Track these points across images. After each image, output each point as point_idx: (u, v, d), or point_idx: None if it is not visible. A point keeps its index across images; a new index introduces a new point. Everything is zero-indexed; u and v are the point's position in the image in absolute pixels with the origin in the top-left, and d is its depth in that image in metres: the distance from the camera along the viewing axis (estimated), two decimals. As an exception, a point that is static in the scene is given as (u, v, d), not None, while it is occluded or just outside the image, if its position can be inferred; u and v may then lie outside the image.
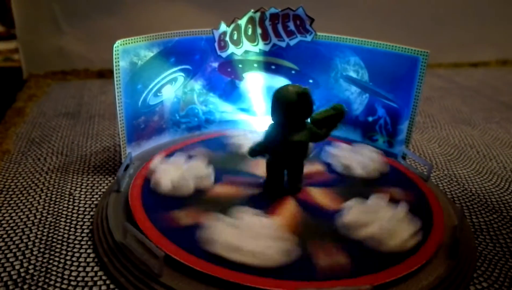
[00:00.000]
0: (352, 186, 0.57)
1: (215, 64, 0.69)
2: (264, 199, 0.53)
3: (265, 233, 0.44)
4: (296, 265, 0.42)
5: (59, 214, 0.53)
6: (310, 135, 0.51)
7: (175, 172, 0.54)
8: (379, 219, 0.47)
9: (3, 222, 0.51)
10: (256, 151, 0.53)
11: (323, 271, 0.42)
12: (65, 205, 0.55)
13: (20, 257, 0.45)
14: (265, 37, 0.66)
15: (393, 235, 0.45)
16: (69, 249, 0.47)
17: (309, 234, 0.47)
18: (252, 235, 0.44)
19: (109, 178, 0.61)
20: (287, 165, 0.53)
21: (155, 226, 0.46)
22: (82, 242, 0.48)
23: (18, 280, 0.42)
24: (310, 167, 0.59)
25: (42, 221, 0.51)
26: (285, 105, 0.49)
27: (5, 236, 0.48)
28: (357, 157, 0.61)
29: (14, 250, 0.46)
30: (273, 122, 0.52)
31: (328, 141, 0.59)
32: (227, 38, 0.65)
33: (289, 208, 0.51)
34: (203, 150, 0.63)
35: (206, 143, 0.66)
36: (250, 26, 0.65)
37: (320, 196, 0.54)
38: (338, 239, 0.46)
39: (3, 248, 0.46)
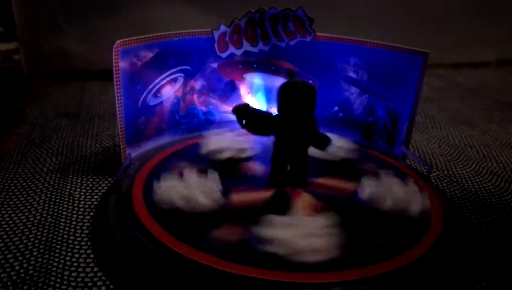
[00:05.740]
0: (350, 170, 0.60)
1: (215, 65, 0.69)
2: (282, 199, 0.53)
3: (316, 227, 0.45)
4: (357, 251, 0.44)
5: (59, 215, 0.53)
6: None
7: (183, 190, 0.50)
8: (394, 192, 0.51)
9: (3, 223, 0.51)
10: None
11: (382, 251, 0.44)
12: (65, 206, 0.55)
13: (19, 258, 0.45)
14: (265, 37, 0.66)
15: (413, 202, 0.50)
16: (68, 249, 0.47)
17: (352, 222, 0.48)
18: (306, 234, 0.44)
19: (109, 179, 0.61)
20: (293, 158, 0.54)
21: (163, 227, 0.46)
22: (82, 243, 0.48)
23: (18, 281, 0.42)
24: None
25: (41, 222, 0.51)
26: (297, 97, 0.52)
27: (5, 237, 0.48)
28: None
29: (14, 251, 0.46)
30: (279, 114, 0.52)
31: None
32: (227, 39, 0.64)
33: (309, 201, 0.52)
34: (188, 164, 0.59)
35: (186, 154, 0.62)
36: (249, 26, 0.65)
37: (325, 184, 0.56)
38: (377, 217, 0.49)
39: (2, 249, 0.47)
